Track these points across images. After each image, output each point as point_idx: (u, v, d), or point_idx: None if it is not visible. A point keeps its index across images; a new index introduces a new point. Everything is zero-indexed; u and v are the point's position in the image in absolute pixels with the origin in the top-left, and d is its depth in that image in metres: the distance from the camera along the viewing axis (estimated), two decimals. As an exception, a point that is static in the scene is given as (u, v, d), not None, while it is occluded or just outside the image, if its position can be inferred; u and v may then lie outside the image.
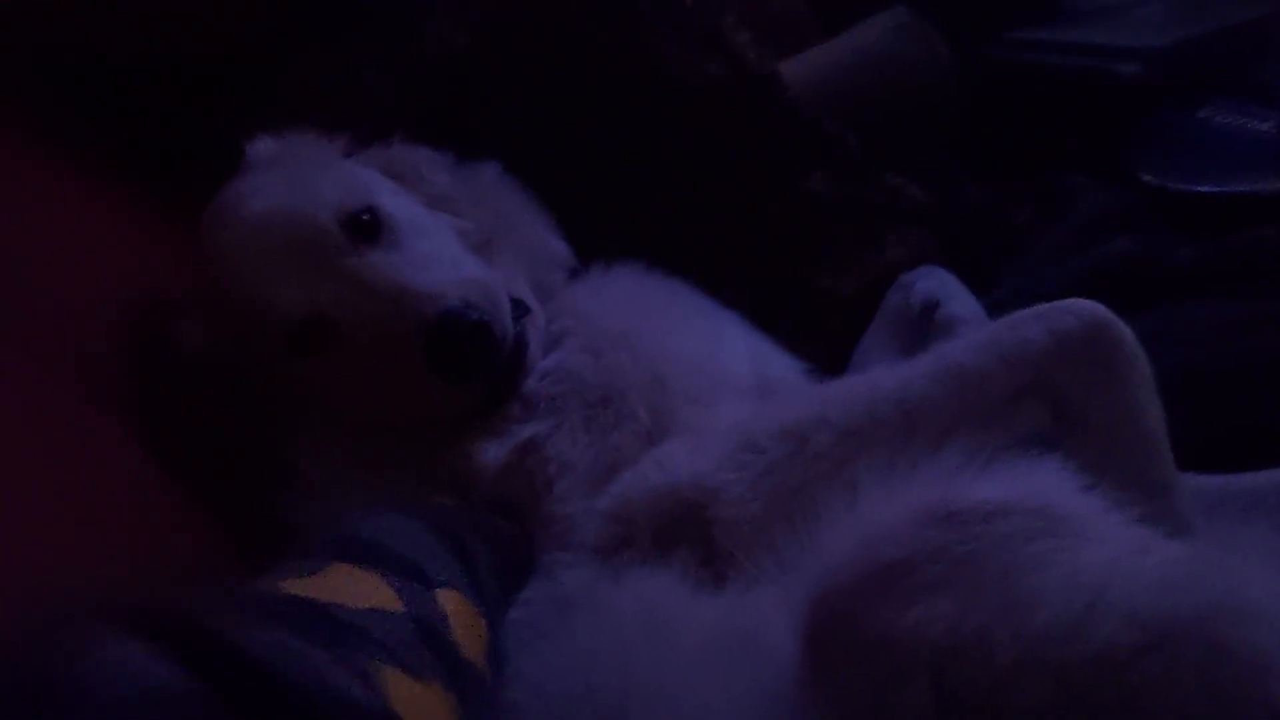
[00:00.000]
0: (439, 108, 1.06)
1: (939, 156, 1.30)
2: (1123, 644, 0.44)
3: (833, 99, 1.23)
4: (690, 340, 0.84)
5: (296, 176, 0.80)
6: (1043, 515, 0.49)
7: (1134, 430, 0.67)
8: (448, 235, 0.84)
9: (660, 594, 0.63)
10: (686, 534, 0.68)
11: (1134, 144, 1.20)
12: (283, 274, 0.75)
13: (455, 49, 1.07)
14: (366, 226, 0.77)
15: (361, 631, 0.45)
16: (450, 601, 0.54)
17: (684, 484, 0.69)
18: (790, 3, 1.61)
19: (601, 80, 1.06)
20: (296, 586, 0.49)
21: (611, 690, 0.54)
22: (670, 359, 0.80)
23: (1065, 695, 0.44)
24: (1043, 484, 0.53)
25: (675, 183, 1.07)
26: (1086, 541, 0.48)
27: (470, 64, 1.07)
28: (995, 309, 0.91)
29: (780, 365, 0.89)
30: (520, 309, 0.81)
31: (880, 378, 0.72)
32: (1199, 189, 1.08)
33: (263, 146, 0.87)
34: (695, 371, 0.81)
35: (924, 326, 0.93)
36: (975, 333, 0.77)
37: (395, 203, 0.81)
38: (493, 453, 0.75)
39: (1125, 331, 0.68)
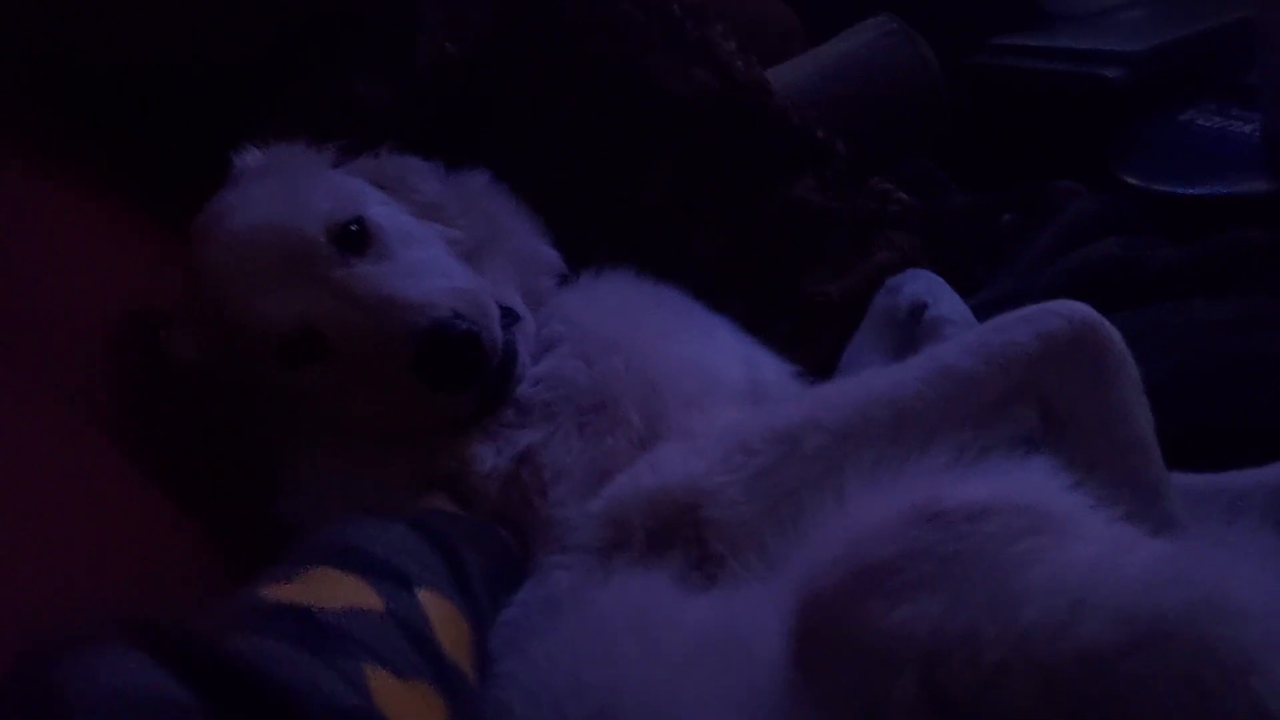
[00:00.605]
0: (430, 116, 1.07)
1: (926, 161, 1.31)
2: (1108, 642, 0.44)
3: (820, 105, 1.24)
4: (681, 345, 0.85)
5: (285, 188, 0.81)
6: (1028, 514, 0.50)
7: (1122, 430, 0.68)
8: (437, 244, 0.84)
9: (650, 594, 0.63)
10: (680, 535, 0.68)
11: (1118, 147, 1.21)
12: (272, 287, 0.76)
13: (446, 59, 1.08)
14: (355, 237, 0.78)
15: (343, 632, 0.46)
16: (432, 602, 0.54)
17: (677, 486, 0.69)
18: (778, 10, 1.62)
19: (591, 89, 1.07)
20: (279, 592, 0.49)
21: (600, 689, 0.55)
22: (662, 363, 0.81)
23: (1052, 693, 0.45)
24: (1029, 483, 0.54)
25: (665, 189, 1.08)
26: (1072, 540, 0.49)
27: (460, 74, 1.08)
28: (982, 311, 0.93)
29: (771, 368, 0.90)
30: (510, 317, 0.81)
31: (871, 380, 0.73)
32: (1182, 191, 1.09)
33: (251, 158, 0.87)
34: (687, 375, 0.81)
35: (912, 328, 0.94)
36: (964, 335, 0.78)
37: (384, 213, 0.82)
38: (489, 462, 0.76)
39: (1112, 332, 0.69)
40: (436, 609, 0.54)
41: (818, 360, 0.95)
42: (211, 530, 0.74)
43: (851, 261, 1.07)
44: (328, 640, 0.44)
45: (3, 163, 0.88)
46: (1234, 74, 1.25)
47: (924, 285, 0.97)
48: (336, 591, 0.50)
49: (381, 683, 0.45)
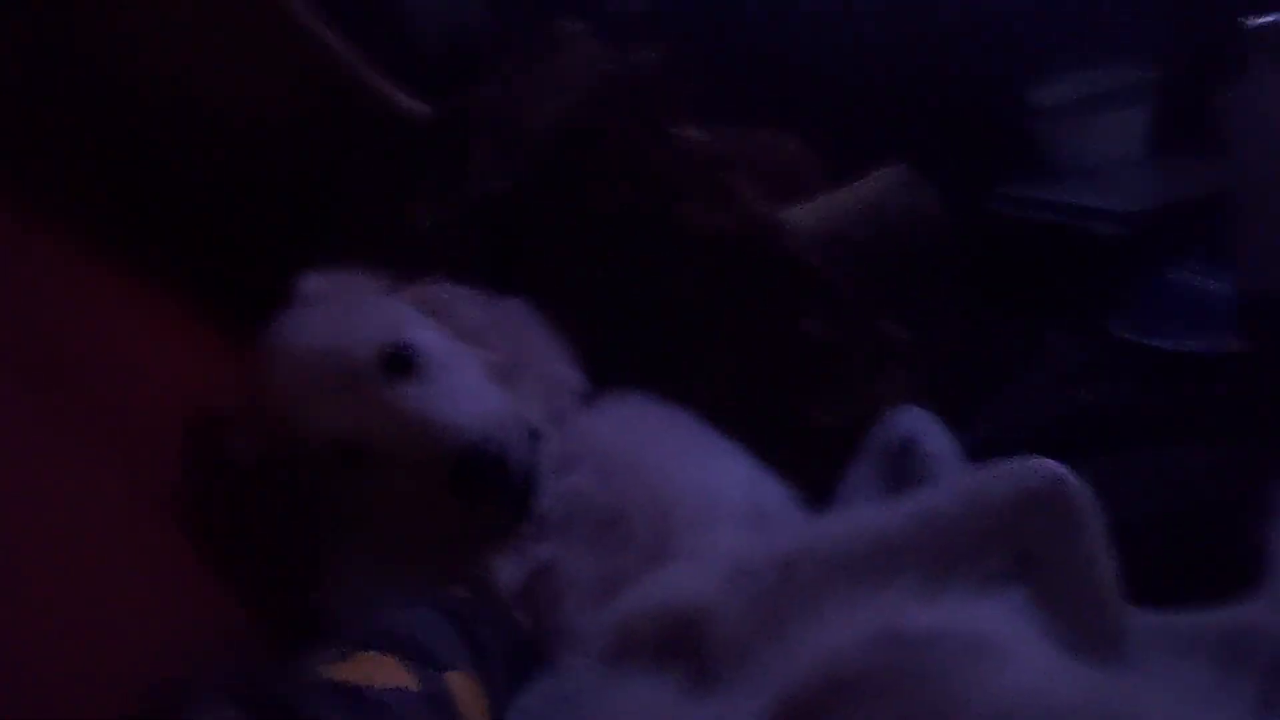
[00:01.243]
0: (475, 245, 1.17)
1: (927, 301, 1.39)
2: (1031, 757, 0.51)
3: (833, 246, 1.33)
4: (691, 468, 0.92)
5: (341, 314, 0.90)
6: (975, 642, 0.57)
7: (1087, 576, 0.74)
8: (473, 368, 0.93)
9: (654, 700, 0.70)
10: (683, 648, 0.74)
11: (1107, 299, 1.29)
12: (324, 403, 0.85)
13: (492, 194, 1.18)
14: (402, 361, 0.86)
15: (385, 707, 0.55)
16: (457, 682, 0.63)
17: (684, 603, 0.76)
18: (800, 154, 1.73)
19: (623, 229, 1.17)
20: (334, 671, 0.59)
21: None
22: (672, 485, 0.88)
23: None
24: (981, 614, 0.61)
25: (684, 320, 1.16)
26: (1010, 667, 0.56)
27: (504, 208, 1.18)
28: (970, 448, 1.00)
29: (773, 492, 0.96)
30: (534, 436, 0.89)
31: (863, 517, 0.80)
32: (1162, 345, 1.17)
33: (313, 282, 0.96)
34: (695, 497, 0.88)
35: (903, 461, 1.01)
36: (950, 482, 0.86)
37: (428, 338, 0.90)
38: (509, 574, 0.83)
39: (1082, 489, 0.75)
40: (461, 686, 0.63)
41: (817, 485, 1.01)
42: (255, 614, 0.83)
43: (853, 395, 1.14)
44: (373, 714, 0.53)
45: (85, 273, 0.99)
46: (1221, 236, 1.33)
47: (915, 422, 1.04)
48: (379, 672, 0.59)
49: None
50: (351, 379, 0.85)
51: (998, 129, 1.69)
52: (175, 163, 1.16)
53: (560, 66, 1.23)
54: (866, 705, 0.55)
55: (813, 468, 1.06)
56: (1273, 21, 1.16)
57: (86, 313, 0.94)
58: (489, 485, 0.83)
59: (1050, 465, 0.76)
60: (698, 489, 0.90)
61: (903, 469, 1.01)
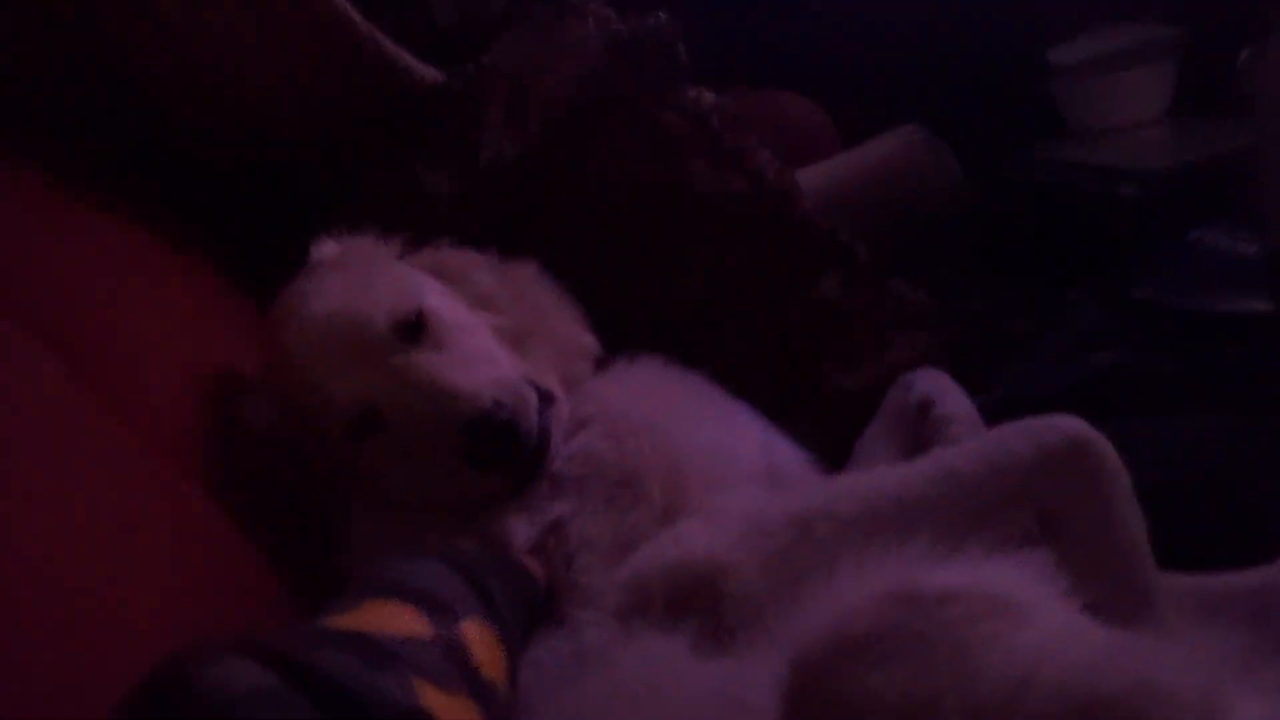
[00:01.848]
0: (487, 210, 1.16)
1: (945, 263, 1.38)
2: (1050, 714, 0.50)
3: (847, 208, 1.32)
4: (705, 429, 0.92)
5: (354, 280, 0.90)
6: (991, 600, 0.56)
7: (1114, 536, 0.73)
8: (485, 334, 0.93)
9: (667, 657, 0.70)
10: (697, 605, 0.75)
11: (1128, 260, 1.27)
12: (339, 369, 0.85)
13: (504, 159, 1.18)
14: (414, 328, 0.86)
15: (399, 655, 0.55)
16: (472, 631, 0.63)
17: (699, 560, 0.76)
18: (812, 113, 1.72)
19: (633, 192, 1.16)
20: (339, 622, 0.59)
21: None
22: (685, 445, 0.87)
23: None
24: (997, 573, 0.60)
25: (697, 284, 1.16)
26: (1028, 625, 0.55)
27: (515, 173, 1.17)
28: (988, 410, 0.99)
29: (787, 455, 0.96)
30: (546, 400, 0.89)
31: (882, 476, 0.80)
32: (1185, 306, 1.15)
33: (327, 248, 0.97)
34: (708, 458, 0.88)
35: (920, 423, 1.00)
36: (969, 442, 0.85)
37: (441, 304, 0.90)
38: (523, 533, 0.83)
39: (1105, 446, 0.74)
40: (475, 636, 0.63)
41: (832, 448, 1.01)
42: (276, 572, 0.84)
43: (868, 358, 1.14)
44: (384, 659, 0.54)
45: (106, 245, 0.99)
46: (1242, 197, 1.31)
47: (933, 383, 1.03)
48: (393, 620, 0.59)
49: (429, 692, 0.54)
50: (365, 345, 0.85)
51: (1017, 89, 1.66)
52: (191, 130, 1.16)
53: (572, 31, 1.22)
54: (879, 664, 0.54)
55: (826, 430, 1.06)
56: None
57: (100, 284, 0.93)
58: (501, 451, 0.83)
59: (1073, 422, 0.75)
60: (712, 450, 0.90)
61: (920, 431, 1.00)
